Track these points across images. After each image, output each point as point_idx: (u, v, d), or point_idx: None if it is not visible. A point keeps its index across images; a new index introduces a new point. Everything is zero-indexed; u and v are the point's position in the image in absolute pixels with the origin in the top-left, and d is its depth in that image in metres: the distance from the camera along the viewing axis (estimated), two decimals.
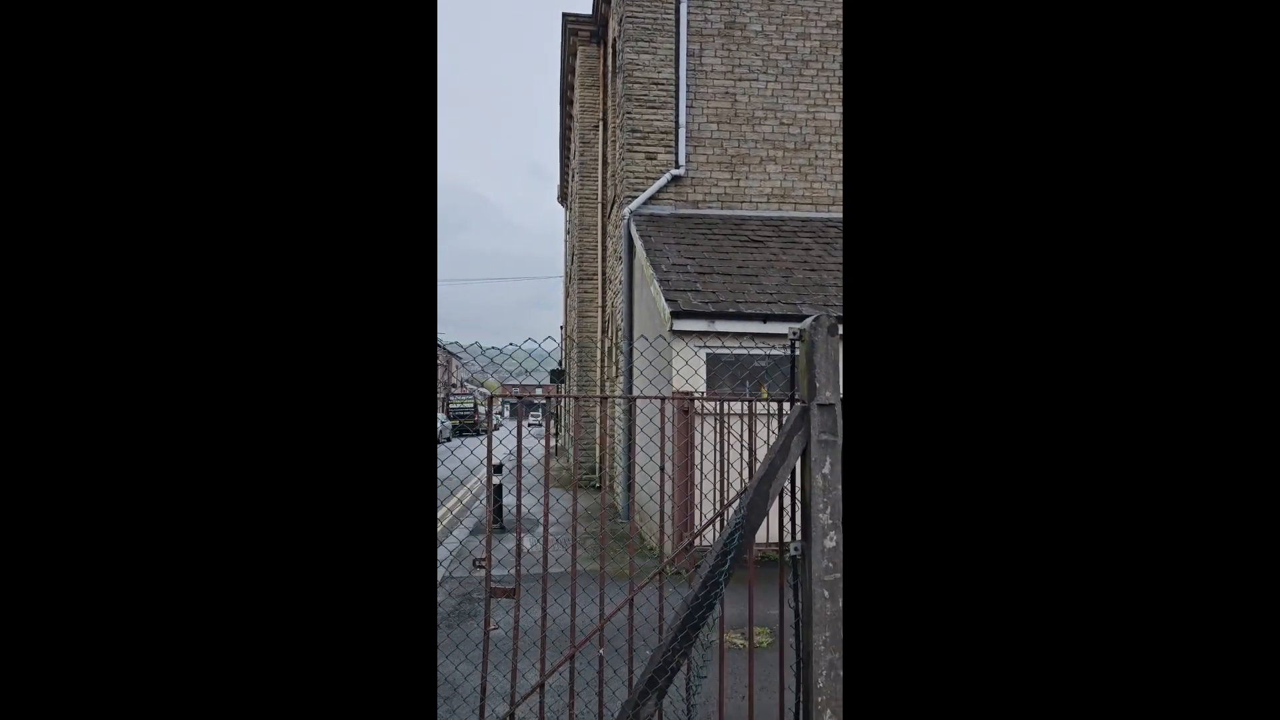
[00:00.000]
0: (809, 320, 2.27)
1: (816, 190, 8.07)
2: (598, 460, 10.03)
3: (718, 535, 2.27)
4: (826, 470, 2.24)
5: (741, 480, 2.43)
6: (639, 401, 6.59)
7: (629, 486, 7.40)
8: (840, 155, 8.11)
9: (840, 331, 2.32)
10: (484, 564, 2.35)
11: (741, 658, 3.37)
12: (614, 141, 9.14)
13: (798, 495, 2.33)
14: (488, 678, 2.34)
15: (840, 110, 8.13)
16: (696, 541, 3.06)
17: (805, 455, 2.27)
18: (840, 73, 8.16)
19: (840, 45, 8.15)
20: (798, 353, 2.34)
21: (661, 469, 2.39)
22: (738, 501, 2.26)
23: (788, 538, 2.37)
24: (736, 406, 4.65)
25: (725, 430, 3.03)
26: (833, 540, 2.23)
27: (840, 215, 8.00)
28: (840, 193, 8.09)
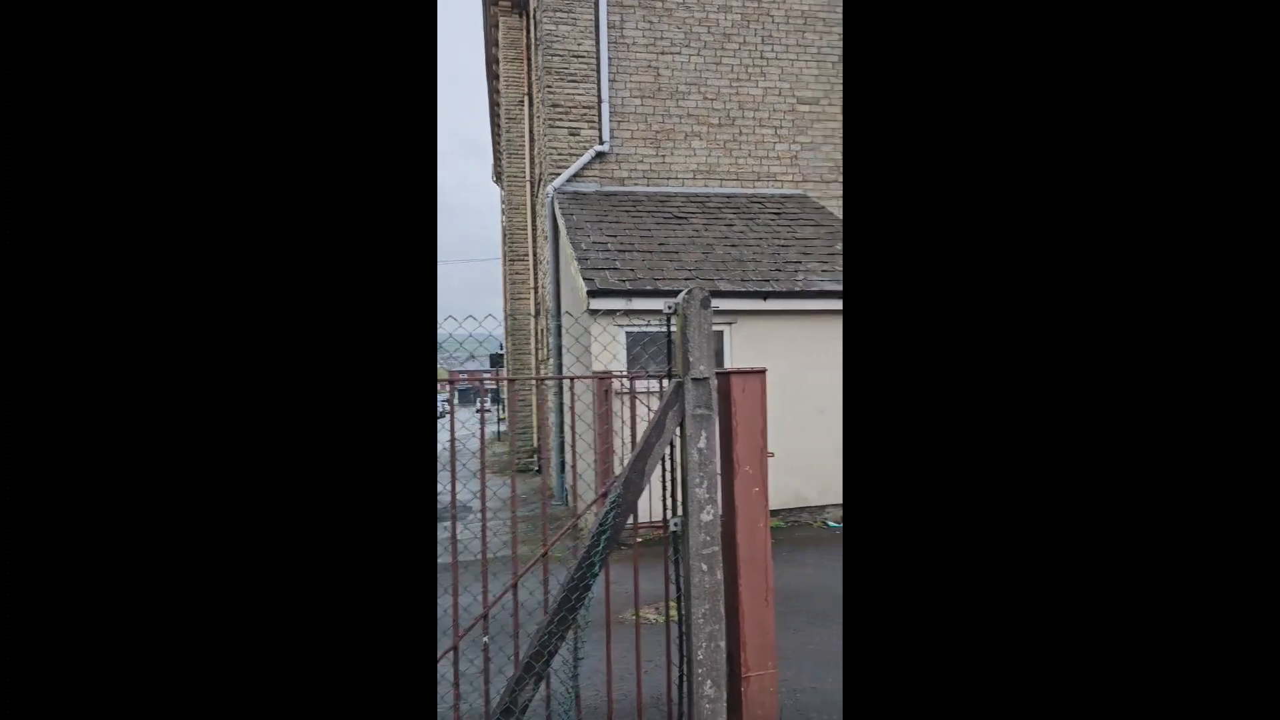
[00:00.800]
0: (682, 294, 2.24)
1: (741, 166, 8.08)
2: (535, 444, 9.94)
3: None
4: (702, 444, 2.23)
5: (620, 461, 2.40)
6: (567, 383, 6.51)
7: (561, 469, 7.34)
8: (763, 130, 8.13)
9: (713, 305, 2.29)
10: None
11: (647, 634, 3.39)
12: (538, 116, 8.91)
13: (677, 471, 2.32)
14: None
15: (762, 85, 8.13)
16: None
17: (682, 430, 2.26)
18: (762, 47, 8.14)
19: (761, 18, 8.12)
20: (674, 328, 2.32)
21: (539, 451, 2.33)
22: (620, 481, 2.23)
23: (678, 515, 2.36)
24: (641, 385, 4.63)
25: (604, 409, 3.00)
26: (709, 514, 2.23)
27: (765, 190, 8.05)
28: (764, 168, 8.12)
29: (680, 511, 2.30)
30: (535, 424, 9.88)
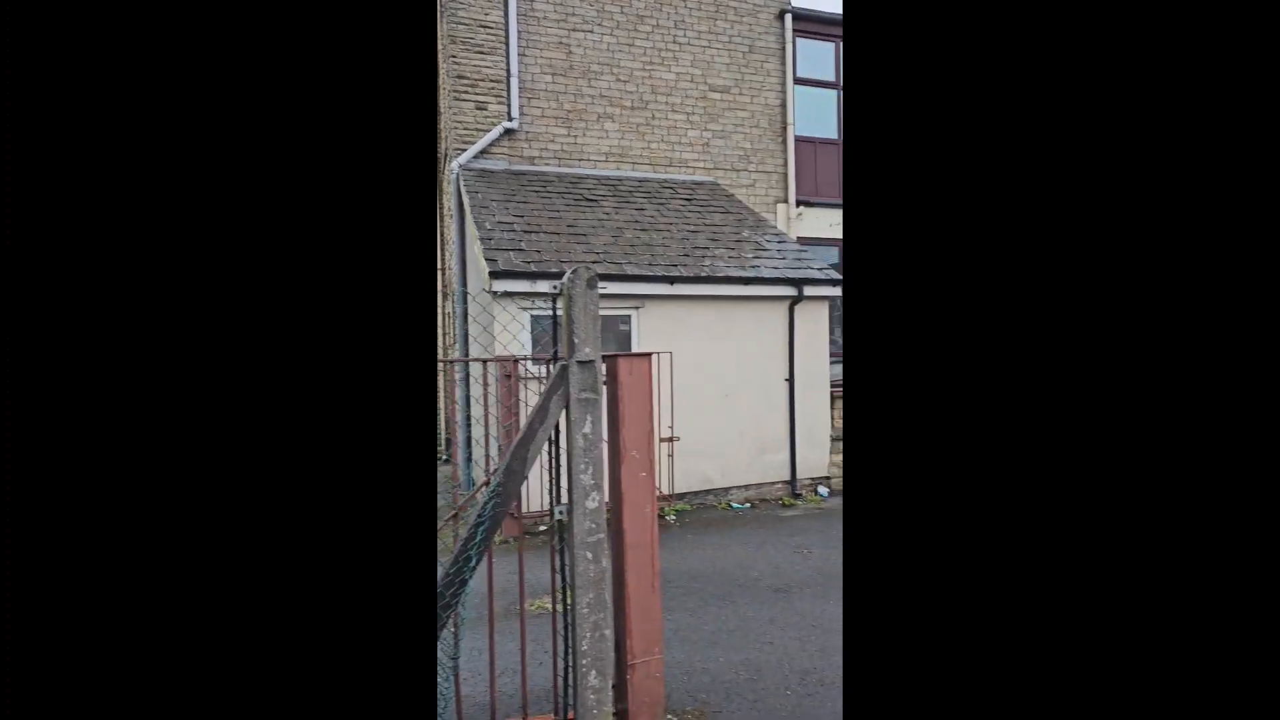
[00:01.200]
0: (568, 274, 2.16)
1: (654, 150, 8.04)
2: (441, 430, 9.57)
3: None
4: (587, 429, 2.17)
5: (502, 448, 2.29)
6: (475, 369, 6.26)
7: (468, 457, 7.10)
8: (676, 116, 8.12)
9: (599, 286, 2.23)
10: None
11: (543, 625, 3.32)
12: (443, 88, 8.48)
13: (563, 457, 2.25)
14: None
15: (675, 70, 8.10)
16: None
17: (567, 415, 2.18)
18: (675, 31, 8.10)
19: (674, 2, 8.07)
20: (560, 309, 2.23)
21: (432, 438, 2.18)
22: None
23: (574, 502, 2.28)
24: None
25: (486, 394, 2.88)
26: (594, 501, 2.18)
27: (676, 176, 8.06)
28: (676, 154, 8.13)
29: (566, 499, 2.23)
30: (442, 410, 9.51)
